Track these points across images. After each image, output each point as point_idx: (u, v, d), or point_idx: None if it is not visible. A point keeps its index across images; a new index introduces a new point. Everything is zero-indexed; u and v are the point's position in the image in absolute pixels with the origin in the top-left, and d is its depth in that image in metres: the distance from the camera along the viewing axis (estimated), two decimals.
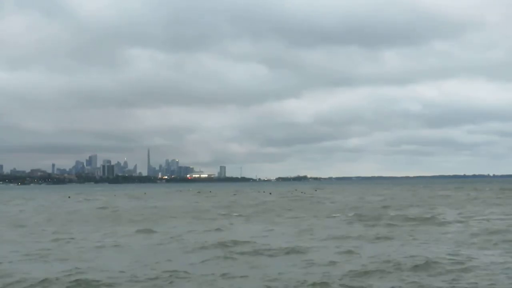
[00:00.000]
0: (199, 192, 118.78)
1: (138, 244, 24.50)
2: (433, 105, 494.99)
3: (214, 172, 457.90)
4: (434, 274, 16.05)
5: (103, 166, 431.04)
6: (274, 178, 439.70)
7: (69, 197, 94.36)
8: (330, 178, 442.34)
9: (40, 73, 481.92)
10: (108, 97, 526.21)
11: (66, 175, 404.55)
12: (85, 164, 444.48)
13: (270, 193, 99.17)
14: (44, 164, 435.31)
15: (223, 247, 22.42)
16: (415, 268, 16.93)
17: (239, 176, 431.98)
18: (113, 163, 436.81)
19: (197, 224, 34.28)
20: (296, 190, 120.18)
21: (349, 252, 20.54)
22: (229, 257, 19.93)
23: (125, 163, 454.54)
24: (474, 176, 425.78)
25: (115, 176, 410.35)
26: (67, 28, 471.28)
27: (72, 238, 27.07)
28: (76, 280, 16.12)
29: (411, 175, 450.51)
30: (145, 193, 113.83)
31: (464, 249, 21.03)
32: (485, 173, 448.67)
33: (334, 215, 40.16)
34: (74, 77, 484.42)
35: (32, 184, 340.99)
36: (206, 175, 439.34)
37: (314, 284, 15.15)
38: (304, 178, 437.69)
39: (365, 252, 20.35)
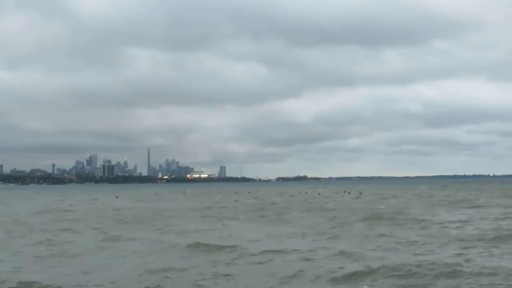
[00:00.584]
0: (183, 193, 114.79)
1: (140, 246, 24.43)
2: (433, 105, 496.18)
3: (214, 172, 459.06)
4: (424, 278, 15.88)
5: (103, 166, 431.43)
6: (274, 178, 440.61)
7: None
8: (330, 178, 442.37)
9: (40, 73, 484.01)
10: (108, 97, 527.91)
11: (66, 175, 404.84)
12: (85, 164, 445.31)
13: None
14: (44, 164, 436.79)
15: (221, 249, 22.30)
16: (407, 272, 16.70)
17: (239, 176, 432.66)
18: (113, 163, 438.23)
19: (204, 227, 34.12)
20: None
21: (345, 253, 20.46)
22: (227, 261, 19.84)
23: (125, 163, 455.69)
24: (474, 176, 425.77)
25: (115, 176, 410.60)
26: (67, 28, 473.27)
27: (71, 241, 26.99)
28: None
29: (411, 175, 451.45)
30: (156, 193, 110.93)
31: (466, 251, 20.91)
32: (485, 173, 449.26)
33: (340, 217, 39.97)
34: (74, 77, 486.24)
35: (32, 184, 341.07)
36: (206, 175, 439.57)
37: None
38: (304, 178, 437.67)
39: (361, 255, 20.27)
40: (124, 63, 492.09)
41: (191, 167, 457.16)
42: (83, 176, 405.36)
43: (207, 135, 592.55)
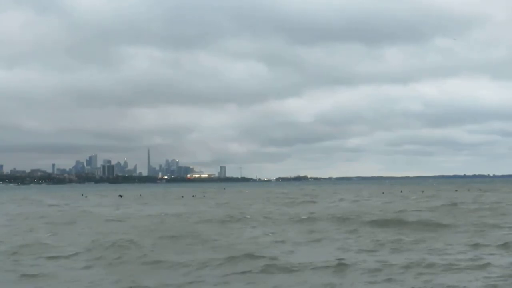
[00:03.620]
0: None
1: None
2: (435, 104, 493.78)
3: (214, 172, 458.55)
4: None
5: (103, 166, 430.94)
6: (274, 178, 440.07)
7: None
8: (330, 178, 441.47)
9: (38, 72, 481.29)
10: (107, 96, 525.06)
11: (66, 175, 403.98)
12: (85, 164, 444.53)
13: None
14: (44, 164, 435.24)
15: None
16: None
17: (239, 176, 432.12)
18: (113, 163, 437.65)
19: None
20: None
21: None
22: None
23: (125, 163, 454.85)
24: (474, 176, 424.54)
25: (115, 176, 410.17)
26: (64, 26, 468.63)
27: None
28: None
29: (411, 175, 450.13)
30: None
31: None
32: (486, 173, 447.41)
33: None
34: (72, 76, 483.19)
35: (32, 184, 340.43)
36: (206, 175, 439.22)
37: None
38: (304, 178, 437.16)
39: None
40: (123, 62, 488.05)
41: (191, 167, 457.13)
42: (83, 176, 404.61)
43: (207, 135, 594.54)
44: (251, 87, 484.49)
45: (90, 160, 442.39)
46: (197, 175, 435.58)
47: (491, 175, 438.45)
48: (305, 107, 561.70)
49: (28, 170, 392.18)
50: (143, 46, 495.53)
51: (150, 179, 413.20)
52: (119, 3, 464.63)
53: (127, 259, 20.33)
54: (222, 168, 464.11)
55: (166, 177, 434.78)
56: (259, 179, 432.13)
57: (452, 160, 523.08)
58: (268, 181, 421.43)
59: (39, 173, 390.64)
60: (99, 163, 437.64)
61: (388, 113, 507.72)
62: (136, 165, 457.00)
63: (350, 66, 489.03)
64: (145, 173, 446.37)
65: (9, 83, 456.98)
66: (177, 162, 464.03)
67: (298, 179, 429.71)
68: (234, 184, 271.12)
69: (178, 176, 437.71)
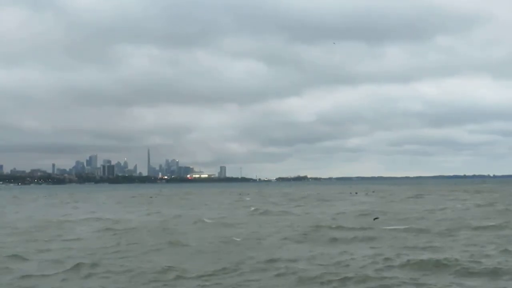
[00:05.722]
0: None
1: None
2: (435, 104, 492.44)
3: (214, 172, 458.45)
4: None
5: (103, 166, 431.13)
6: (274, 178, 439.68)
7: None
8: (330, 179, 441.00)
9: (37, 71, 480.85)
10: (107, 96, 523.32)
11: (66, 175, 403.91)
12: (85, 164, 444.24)
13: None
14: (44, 164, 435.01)
15: None
16: None
17: (239, 176, 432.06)
18: (113, 163, 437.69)
19: None
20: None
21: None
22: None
23: (125, 163, 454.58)
24: (474, 176, 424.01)
25: (115, 176, 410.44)
26: (63, 25, 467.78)
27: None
28: None
29: (412, 175, 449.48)
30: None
31: None
32: (486, 173, 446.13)
33: None
34: (71, 75, 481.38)
35: (32, 184, 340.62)
36: (206, 175, 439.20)
37: None
38: (304, 178, 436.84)
39: None
40: (121, 61, 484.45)
41: (191, 167, 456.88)
42: (83, 176, 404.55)
43: (207, 135, 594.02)
44: (251, 87, 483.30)
45: (90, 160, 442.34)
46: (197, 175, 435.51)
47: (491, 175, 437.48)
48: (305, 106, 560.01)
49: (28, 170, 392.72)
50: (142, 44, 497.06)
51: (150, 179, 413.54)
52: (118, 2, 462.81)
53: None
54: (222, 168, 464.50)
55: (166, 177, 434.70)
56: (259, 179, 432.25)
57: (452, 160, 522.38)
58: (268, 181, 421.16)
59: (39, 173, 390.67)
60: (99, 163, 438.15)
61: (388, 113, 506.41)
62: (136, 165, 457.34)
63: (350, 65, 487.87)
64: (145, 173, 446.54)
65: (8, 83, 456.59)
66: (177, 162, 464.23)
67: (298, 179, 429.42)
68: (234, 184, 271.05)
69: (178, 176, 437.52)
